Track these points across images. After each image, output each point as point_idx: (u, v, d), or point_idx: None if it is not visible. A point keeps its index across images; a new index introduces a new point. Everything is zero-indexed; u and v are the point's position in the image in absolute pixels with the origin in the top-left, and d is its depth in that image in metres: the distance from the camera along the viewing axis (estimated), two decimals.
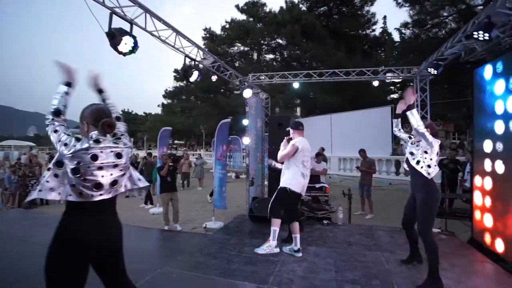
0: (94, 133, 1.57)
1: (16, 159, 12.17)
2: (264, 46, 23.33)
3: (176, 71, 28.37)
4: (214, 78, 4.89)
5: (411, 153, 2.94)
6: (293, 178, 3.46)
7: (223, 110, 22.81)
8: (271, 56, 23.95)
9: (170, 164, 5.59)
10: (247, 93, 5.47)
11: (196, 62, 4.11)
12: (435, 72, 4.42)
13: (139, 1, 2.89)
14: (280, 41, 22.34)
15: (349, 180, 11.60)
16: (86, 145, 1.50)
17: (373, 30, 24.24)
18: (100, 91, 1.90)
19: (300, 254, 3.44)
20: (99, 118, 1.62)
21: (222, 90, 25.02)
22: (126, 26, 2.82)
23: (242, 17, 23.22)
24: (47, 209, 8.12)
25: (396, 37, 20.13)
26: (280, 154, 3.60)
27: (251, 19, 22.83)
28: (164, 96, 31.90)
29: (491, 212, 3.60)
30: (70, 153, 1.47)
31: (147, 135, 38.17)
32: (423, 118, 5.34)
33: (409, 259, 3.26)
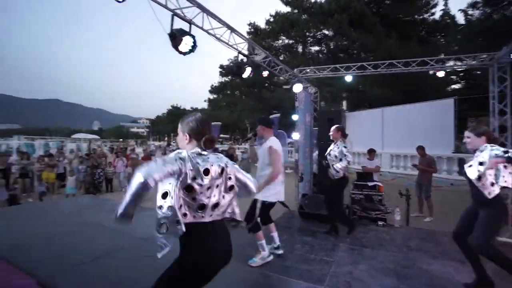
0: (196, 150, 1.54)
1: (87, 151, 13.74)
2: (309, 38, 22.68)
3: (221, 66, 29.08)
4: (265, 73, 4.87)
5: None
6: (272, 189, 3.07)
7: (267, 104, 22.86)
8: (316, 48, 23.22)
9: None
10: (297, 87, 5.35)
11: (249, 58, 4.12)
12: None
13: (198, 1, 2.96)
14: (326, 32, 21.50)
15: (402, 178, 10.82)
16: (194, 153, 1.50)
17: (432, 14, 21.92)
18: None
19: (281, 251, 3.33)
20: (203, 133, 1.57)
21: (266, 85, 25.03)
22: (184, 26, 2.93)
23: (287, 9, 22.82)
24: (111, 195, 9.02)
25: (460, 19, 18.03)
26: (270, 173, 3.02)
27: (295, 10, 22.31)
28: (210, 91, 32.95)
29: None
30: (191, 167, 1.43)
31: None
32: (501, 112, 4.66)
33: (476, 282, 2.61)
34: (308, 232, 4.28)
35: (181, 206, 1.43)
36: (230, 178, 1.62)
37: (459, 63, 5.46)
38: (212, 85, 32.13)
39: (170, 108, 61.18)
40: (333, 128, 4.15)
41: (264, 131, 3.23)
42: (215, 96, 33.74)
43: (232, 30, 3.59)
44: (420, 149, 6.50)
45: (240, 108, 26.27)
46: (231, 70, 4.05)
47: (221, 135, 42.40)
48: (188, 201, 1.45)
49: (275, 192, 3.12)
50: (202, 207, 1.48)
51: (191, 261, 1.46)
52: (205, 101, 35.98)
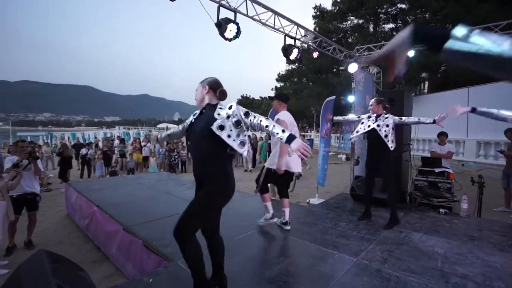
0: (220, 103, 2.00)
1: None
2: (382, 15, 20.65)
3: None
4: (315, 54, 4.85)
5: None
6: (275, 158, 3.28)
7: (334, 89, 21.92)
8: (390, 25, 21.00)
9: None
10: (352, 67, 5.18)
11: (296, 40, 4.21)
12: None
13: None
14: (402, 5, 19.24)
15: (491, 170, 9.28)
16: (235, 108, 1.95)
17: None
18: None
19: (288, 227, 3.42)
20: (218, 87, 2.04)
21: (334, 70, 23.96)
22: (230, 15, 3.23)
23: None
24: (185, 175, 10.28)
25: None
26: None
27: None
28: (277, 80, 33.22)
29: None
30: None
31: None
32: None
33: None
34: (357, 214, 4.24)
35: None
36: None
37: None
38: (279, 73, 32.35)
39: (240, 98, 63.89)
40: (372, 100, 3.86)
41: (280, 106, 3.38)
42: (282, 84, 33.86)
43: (276, 13, 3.73)
44: (510, 132, 5.56)
45: (306, 95, 25.79)
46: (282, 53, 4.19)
47: None
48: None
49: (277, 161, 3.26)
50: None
51: (228, 185, 1.93)
52: (272, 89, 36.47)
